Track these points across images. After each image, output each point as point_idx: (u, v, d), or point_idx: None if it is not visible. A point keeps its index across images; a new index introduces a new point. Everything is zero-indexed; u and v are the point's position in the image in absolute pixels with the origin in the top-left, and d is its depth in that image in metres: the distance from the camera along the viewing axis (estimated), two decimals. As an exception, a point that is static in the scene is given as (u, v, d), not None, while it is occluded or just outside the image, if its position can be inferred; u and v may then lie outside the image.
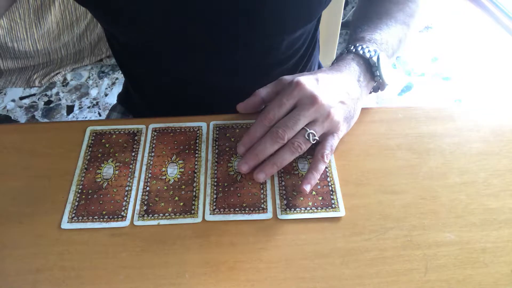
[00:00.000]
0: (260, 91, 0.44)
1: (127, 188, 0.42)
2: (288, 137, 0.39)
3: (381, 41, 0.47)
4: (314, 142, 0.41)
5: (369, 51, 0.45)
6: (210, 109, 0.51)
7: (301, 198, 0.41)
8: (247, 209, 0.40)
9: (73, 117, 1.45)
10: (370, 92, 0.47)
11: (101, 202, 0.41)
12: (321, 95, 0.40)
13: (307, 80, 0.41)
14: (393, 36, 0.49)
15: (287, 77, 0.43)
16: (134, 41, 0.52)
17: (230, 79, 0.55)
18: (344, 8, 0.89)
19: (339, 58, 0.46)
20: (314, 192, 0.42)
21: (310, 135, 0.40)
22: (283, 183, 0.42)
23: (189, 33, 0.47)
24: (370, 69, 0.45)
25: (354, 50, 0.45)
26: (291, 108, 0.40)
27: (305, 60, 0.61)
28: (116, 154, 0.44)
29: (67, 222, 0.39)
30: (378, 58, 0.45)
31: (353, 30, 0.50)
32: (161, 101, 0.63)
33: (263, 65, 0.55)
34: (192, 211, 0.40)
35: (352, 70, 0.44)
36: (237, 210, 0.40)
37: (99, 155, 0.44)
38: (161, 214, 0.40)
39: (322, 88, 0.41)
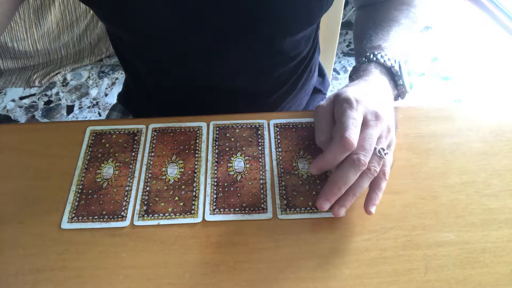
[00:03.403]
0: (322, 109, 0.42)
1: (127, 188, 0.42)
2: (368, 162, 0.37)
3: (396, 48, 0.47)
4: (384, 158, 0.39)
5: (389, 59, 0.45)
6: (210, 108, 0.51)
7: (301, 198, 0.41)
8: (247, 209, 0.40)
9: (73, 117, 1.45)
10: None
11: (101, 202, 0.41)
12: (380, 110, 0.39)
13: (361, 95, 0.39)
14: (405, 42, 0.49)
15: (337, 94, 0.41)
16: (135, 40, 0.52)
17: (231, 80, 0.55)
18: (344, 8, 0.89)
19: (361, 69, 0.46)
20: (314, 192, 0.42)
21: (381, 151, 0.38)
22: (283, 183, 0.42)
23: (190, 34, 0.47)
24: (393, 78, 0.45)
25: (374, 59, 0.45)
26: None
27: (306, 61, 0.61)
28: (116, 154, 0.44)
29: (67, 222, 0.39)
30: (399, 67, 0.44)
31: (364, 37, 0.50)
32: (161, 99, 0.63)
33: (264, 66, 0.55)
34: (192, 211, 0.40)
35: (380, 81, 0.44)
36: (237, 210, 0.40)
37: (99, 155, 0.44)
38: (161, 214, 0.40)
39: (376, 101, 0.40)
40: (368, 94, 0.40)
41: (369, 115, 0.39)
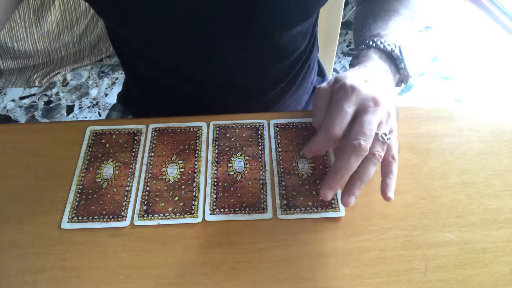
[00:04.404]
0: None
1: (127, 188, 0.42)
2: (369, 147, 0.36)
3: (395, 35, 0.47)
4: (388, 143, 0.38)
5: (388, 44, 0.44)
6: (210, 106, 0.51)
7: (301, 198, 0.41)
8: (247, 209, 0.40)
9: (73, 117, 1.45)
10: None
11: (101, 202, 0.41)
12: (379, 95, 0.38)
13: (359, 83, 0.39)
14: (405, 31, 0.49)
15: (336, 79, 0.41)
16: (134, 39, 0.52)
17: (229, 76, 0.55)
18: (344, 8, 0.89)
19: (361, 55, 0.45)
20: (314, 192, 0.42)
21: (384, 136, 0.37)
22: (283, 183, 0.42)
23: (189, 33, 0.47)
24: (394, 62, 0.45)
25: (374, 45, 0.44)
26: (353, 115, 0.38)
27: (304, 56, 0.61)
28: (116, 154, 0.44)
29: (67, 222, 0.39)
30: (400, 51, 0.44)
31: (363, 27, 0.50)
32: (161, 98, 0.63)
33: (262, 61, 0.55)
34: (192, 211, 0.40)
35: (380, 66, 0.43)
36: (237, 210, 0.40)
37: (99, 155, 0.44)
38: (161, 214, 0.40)
39: (375, 87, 0.39)
40: (368, 81, 0.40)
41: (368, 101, 0.38)
